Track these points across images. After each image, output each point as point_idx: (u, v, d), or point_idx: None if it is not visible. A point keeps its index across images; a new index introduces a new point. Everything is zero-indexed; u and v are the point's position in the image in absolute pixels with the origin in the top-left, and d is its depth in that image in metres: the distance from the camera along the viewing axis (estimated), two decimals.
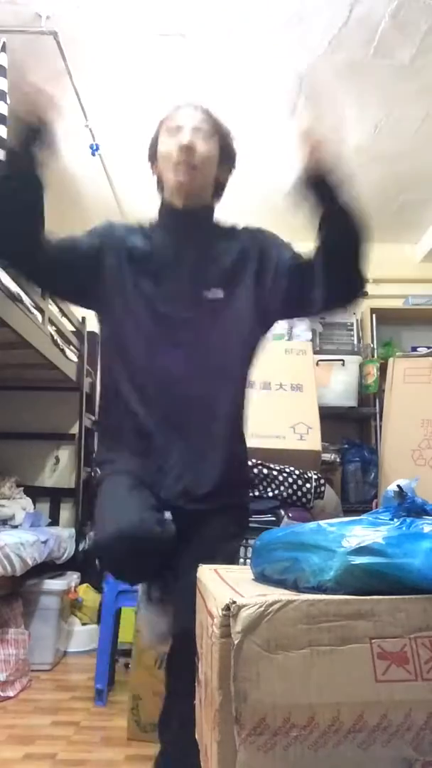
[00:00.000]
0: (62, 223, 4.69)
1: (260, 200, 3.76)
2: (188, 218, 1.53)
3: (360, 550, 0.85)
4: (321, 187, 1.45)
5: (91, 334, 4.13)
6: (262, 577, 1.02)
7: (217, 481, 1.44)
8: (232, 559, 1.46)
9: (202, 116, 1.51)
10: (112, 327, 1.56)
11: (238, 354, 1.54)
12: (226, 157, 1.56)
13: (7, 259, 1.62)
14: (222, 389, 1.50)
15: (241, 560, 1.90)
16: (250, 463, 2.58)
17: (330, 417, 3.43)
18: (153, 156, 1.56)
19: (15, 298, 2.56)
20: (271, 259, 1.54)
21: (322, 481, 2.78)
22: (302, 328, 3.71)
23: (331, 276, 1.50)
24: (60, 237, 1.52)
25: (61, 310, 3.60)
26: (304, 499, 2.66)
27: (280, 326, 3.63)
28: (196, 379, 1.47)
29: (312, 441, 2.92)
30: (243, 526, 1.57)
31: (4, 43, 2.31)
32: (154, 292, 1.49)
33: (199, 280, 1.50)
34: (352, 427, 4.11)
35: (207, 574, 1.07)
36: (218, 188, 1.60)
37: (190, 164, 1.47)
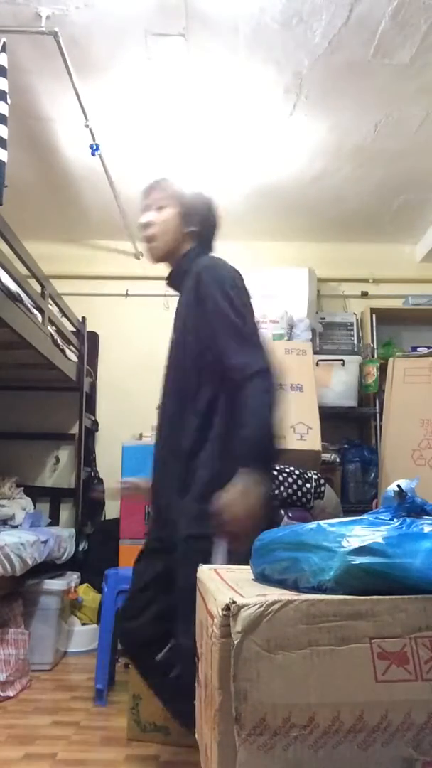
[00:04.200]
0: (62, 223, 4.71)
1: (260, 200, 3.77)
2: (171, 276, 1.81)
3: (360, 550, 0.85)
4: None
5: (91, 334, 4.14)
6: (262, 577, 1.02)
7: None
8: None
9: (154, 193, 1.80)
10: None
11: (193, 384, 1.64)
12: (186, 215, 1.77)
13: None
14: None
15: None
16: None
17: (330, 417, 3.43)
18: None
19: (15, 298, 2.56)
20: (204, 305, 1.65)
21: (322, 481, 2.77)
22: (302, 328, 3.71)
23: None
24: None
25: (61, 310, 3.60)
26: (304, 499, 2.66)
27: (280, 326, 3.63)
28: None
29: (312, 441, 2.92)
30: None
31: (4, 43, 2.31)
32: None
33: (174, 332, 1.75)
34: (352, 427, 4.11)
35: (207, 574, 1.08)
36: (197, 238, 1.79)
37: (149, 236, 1.78)
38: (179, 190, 1.80)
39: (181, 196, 1.79)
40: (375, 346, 4.03)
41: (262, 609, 0.79)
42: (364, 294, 4.35)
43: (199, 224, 1.78)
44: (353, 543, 0.86)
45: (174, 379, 1.69)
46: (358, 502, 3.57)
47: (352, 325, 4.15)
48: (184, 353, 1.66)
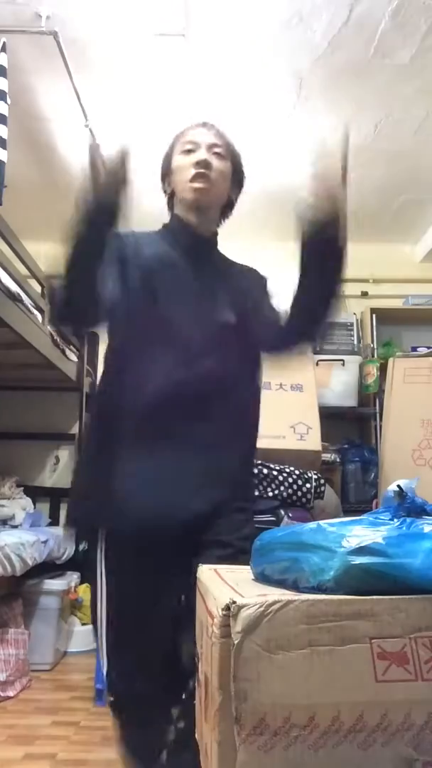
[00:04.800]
0: (62, 223, 4.68)
1: (260, 201, 3.76)
2: (200, 237, 1.56)
3: (360, 550, 0.85)
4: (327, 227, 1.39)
5: (91, 334, 4.13)
6: (262, 577, 1.02)
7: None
8: None
9: (216, 135, 1.55)
10: (126, 340, 1.50)
11: (248, 375, 1.57)
12: (237, 177, 1.61)
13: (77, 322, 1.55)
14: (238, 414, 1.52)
15: None
16: None
17: (330, 417, 3.43)
18: (166, 173, 1.59)
19: (15, 298, 2.56)
20: (265, 299, 1.60)
21: (322, 481, 2.77)
22: None
23: (303, 320, 1.53)
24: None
25: None
26: (304, 499, 2.66)
27: None
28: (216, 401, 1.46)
29: (312, 441, 2.91)
30: None
31: (4, 43, 2.31)
32: (170, 311, 1.47)
33: (215, 302, 1.51)
34: (352, 427, 4.11)
35: (207, 574, 1.07)
36: (227, 207, 1.63)
37: (207, 178, 1.49)
38: (236, 150, 1.60)
39: (236, 156, 1.59)
40: (375, 346, 4.03)
41: (262, 609, 0.79)
42: (364, 294, 4.35)
43: (238, 192, 1.63)
44: (353, 543, 0.86)
45: (236, 345, 1.50)
46: (358, 502, 3.57)
47: (352, 325, 4.15)
48: (244, 337, 1.52)
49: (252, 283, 1.63)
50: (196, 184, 1.49)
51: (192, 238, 1.55)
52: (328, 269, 1.44)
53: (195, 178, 1.49)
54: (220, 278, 1.57)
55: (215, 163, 1.51)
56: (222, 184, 1.54)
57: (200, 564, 1.16)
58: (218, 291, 1.54)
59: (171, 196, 1.58)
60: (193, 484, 1.39)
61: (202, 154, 1.50)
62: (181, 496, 1.37)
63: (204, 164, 1.49)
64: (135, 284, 1.45)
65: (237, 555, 1.32)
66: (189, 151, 1.52)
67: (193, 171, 1.49)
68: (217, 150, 1.52)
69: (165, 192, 1.61)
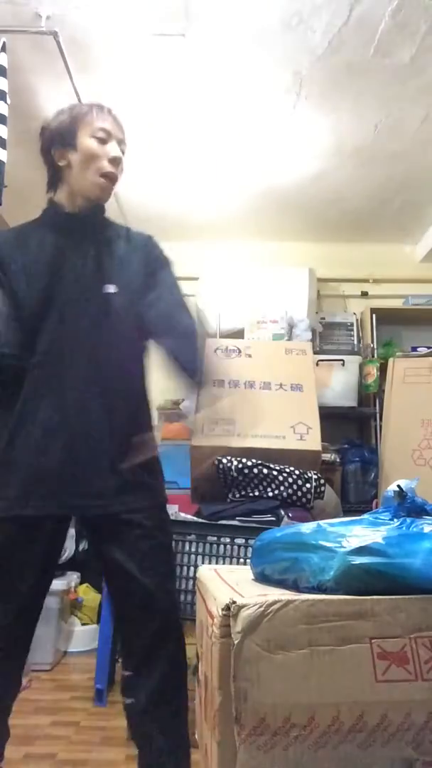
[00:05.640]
0: None
1: (260, 200, 3.76)
2: (85, 219, 1.57)
3: (360, 550, 0.85)
4: None
5: None
6: (262, 577, 1.02)
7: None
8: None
9: (116, 124, 1.57)
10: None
11: (132, 353, 1.57)
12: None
13: None
14: (119, 382, 1.52)
15: (242, 560, 1.88)
16: (249, 463, 2.58)
17: (330, 417, 3.43)
18: (66, 145, 1.53)
19: None
20: (159, 274, 1.61)
21: (322, 481, 2.77)
22: (302, 328, 3.71)
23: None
24: None
25: None
26: (304, 499, 2.66)
27: (280, 326, 3.63)
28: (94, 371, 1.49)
29: (312, 441, 2.91)
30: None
31: (4, 43, 2.31)
32: (53, 292, 1.49)
33: (96, 278, 1.52)
34: (352, 427, 4.11)
35: (207, 573, 1.08)
36: None
37: (116, 177, 1.54)
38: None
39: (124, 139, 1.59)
40: (375, 346, 4.03)
41: (262, 609, 0.79)
42: (364, 294, 4.35)
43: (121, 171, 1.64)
44: (353, 543, 0.86)
45: (113, 326, 1.52)
46: (358, 502, 3.57)
47: (352, 325, 4.15)
48: (127, 307, 1.53)
49: (140, 252, 1.60)
50: (106, 182, 1.53)
51: (74, 221, 1.56)
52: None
53: (107, 176, 1.52)
54: (107, 252, 1.56)
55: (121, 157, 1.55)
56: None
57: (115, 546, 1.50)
58: (101, 262, 1.54)
59: (59, 169, 1.55)
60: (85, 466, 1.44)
61: (116, 150, 1.53)
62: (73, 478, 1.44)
63: (118, 162, 1.53)
64: (9, 284, 1.49)
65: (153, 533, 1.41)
66: (102, 140, 1.52)
67: (108, 167, 1.51)
68: (122, 147, 1.56)
69: (53, 160, 1.55)
